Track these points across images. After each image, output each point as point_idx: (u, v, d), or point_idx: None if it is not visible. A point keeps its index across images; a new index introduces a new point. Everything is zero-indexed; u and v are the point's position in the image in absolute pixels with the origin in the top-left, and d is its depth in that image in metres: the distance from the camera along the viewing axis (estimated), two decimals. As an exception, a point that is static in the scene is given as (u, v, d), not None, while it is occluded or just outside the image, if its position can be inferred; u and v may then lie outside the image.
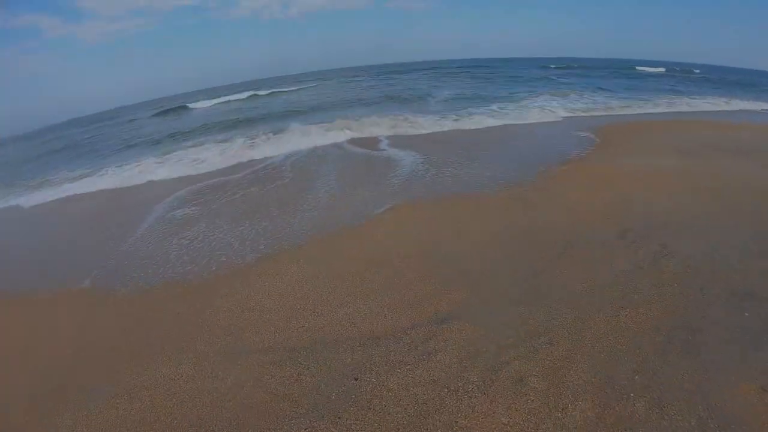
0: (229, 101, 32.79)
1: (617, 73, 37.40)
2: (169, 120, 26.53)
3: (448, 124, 13.60)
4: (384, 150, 10.96)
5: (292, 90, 35.82)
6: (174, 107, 32.93)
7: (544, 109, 16.09)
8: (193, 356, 3.67)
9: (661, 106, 17.47)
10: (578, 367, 3.17)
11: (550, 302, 3.86)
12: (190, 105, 32.69)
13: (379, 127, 13.70)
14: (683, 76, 38.24)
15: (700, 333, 3.47)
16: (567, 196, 6.54)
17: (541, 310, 3.76)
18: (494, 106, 17.32)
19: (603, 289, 4.03)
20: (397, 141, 11.70)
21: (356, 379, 3.16)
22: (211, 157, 12.12)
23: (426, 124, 13.69)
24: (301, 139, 12.93)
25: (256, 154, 11.71)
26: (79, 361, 3.89)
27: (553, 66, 47.62)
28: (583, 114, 15.36)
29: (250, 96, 33.42)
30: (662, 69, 44.79)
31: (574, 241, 5.00)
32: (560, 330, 3.50)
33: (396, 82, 34.08)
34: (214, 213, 7.40)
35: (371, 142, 11.81)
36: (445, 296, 4.06)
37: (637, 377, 3.10)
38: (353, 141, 12.20)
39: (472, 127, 13.18)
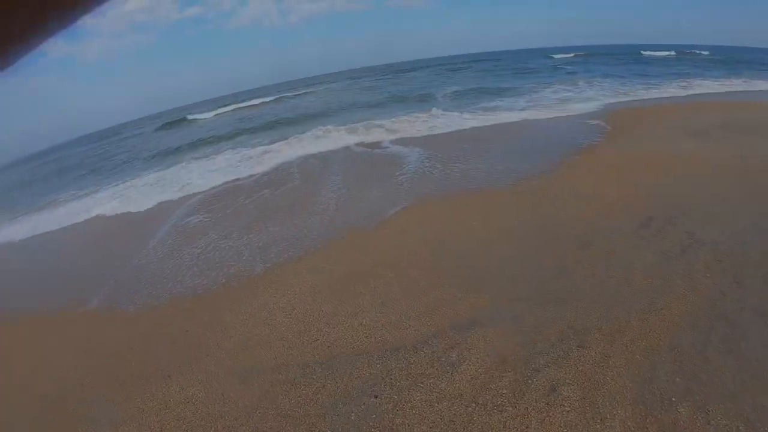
0: (237, 109, 32.08)
1: (625, 59, 36.68)
2: (178, 132, 26.03)
3: (457, 122, 13.14)
4: (390, 148, 10.80)
5: (299, 95, 35.19)
6: (183, 119, 32.08)
7: (553, 100, 15.70)
8: (202, 377, 3.48)
9: (674, 89, 17.02)
10: (614, 372, 2.95)
11: (577, 301, 3.63)
12: (199, 116, 31.90)
13: (388, 128, 13.34)
14: (692, 59, 37.23)
15: (740, 326, 3.24)
16: (583, 186, 6.29)
17: (569, 310, 3.52)
18: (504, 101, 16.89)
19: (632, 284, 3.79)
20: (407, 141, 11.33)
21: (376, 397, 2.95)
22: (218, 166, 11.89)
23: (435, 123, 13.26)
24: (313, 143, 12.62)
25: (268, 161, 11.36)
26: (84, 387, 3.72)
27: (558, 55, 46.78)
28: (594, 102, 14.82)
29: (260, 103, 32.65)
30: (672, 52, 43.82)
31: (595, 233, 4.75)
32: (591, 332, 3.27)
33: (402, 81, 33.51)
34: (223, 220, 7.26)
35: (381, 144, 11.48)
36: (465, 300, 3.83)
37: (677, 379, 2.88)
38: (364, 144, 11.83)
39: (484, 124, 12.67)
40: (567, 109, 13.80)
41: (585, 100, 15.38)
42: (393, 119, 14.81)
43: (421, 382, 3.00)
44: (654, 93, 16.25)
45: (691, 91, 16.29)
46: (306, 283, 4.62)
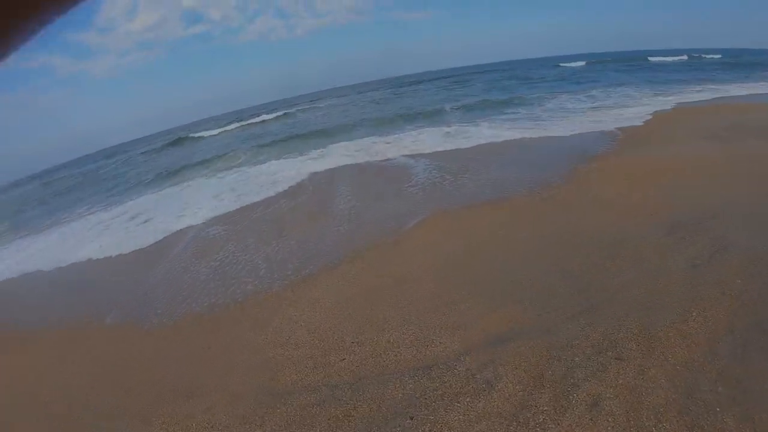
0: (246, 125, 31.57)
1: (634, 66, 36.12)
2: (182, 151, 25.65)
3: (474, 136, 12.75)
4: (405, 163, 10.77)
5: (305, 109, 34.88)
6: (187, 136, 31.44)
7: (567, 110, 15.57)
8: (226, 399, 3.35)
9: (693, 94, 16.85)
10: (655, 384, 2.85)
11: (609, 311, 3.53)
12: (204, 133, 31.36)
13: (401, 144, 13.19)
14: (705, 63, 36.43)
15: (777, 332, 3.16)
16: (604, 194, 6.24)
17: (602, 321, 3.42)
18: (516, 113, 16.67)
19: (664, 292, 3.69)
20: (423, 156, 11.05)
21: (411, 418, 2.84)
22: (221, 190, 11.47)
23: (449, 138, 13.00)
24: (325, 160, 12.45)
25: (279, 181, 10.88)
26: (100, 412, 3.58)
27: (567, 64, 45.85)
28: (609, 110, 14.51)
29: (273, 118, 32.10)
30: (684, 57, 42.76)
31: (621, 241, 4.67)
32: (627, 342, 3.17)
33: (410, 94, 33.05)
34: (241, 235, 7.18)
35: (395, 159, 11.27)
36: (495, 314, 3.73)
37: (720, 389, 2.78)
38: (377, 160, 11.61)
39: (499, 140, 11.99)
40: (581, 118, 13.51)
41: (600, 108, 15.08)
42: (405, 134, 14.66)
43: (458, 402, 2.89)
44: (676, 98, 15.87)
45: (712, 95, 16.02)
46: (328, 299, 4.52)
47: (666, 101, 15.53)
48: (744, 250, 4.14)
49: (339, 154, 13.02)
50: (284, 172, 11.89)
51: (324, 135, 17.95)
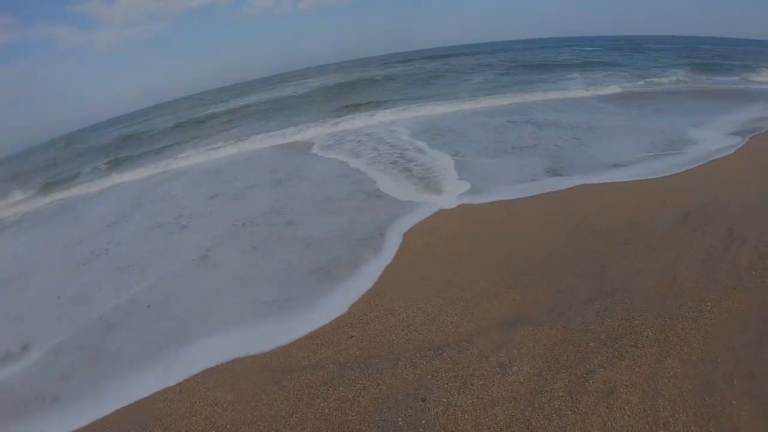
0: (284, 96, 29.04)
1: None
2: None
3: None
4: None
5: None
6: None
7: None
8: (230, 377, 3.26)
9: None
10: (671, 373, 2.79)
11: (625, 298, 3.46)
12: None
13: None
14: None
15: (791, 326, 3.12)
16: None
17: (618, 307, 3.36)
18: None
19: (678, 281, 3.62)
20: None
21: (423, 400, 2.76)
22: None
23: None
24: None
25: None
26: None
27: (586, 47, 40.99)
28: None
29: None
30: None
31: (635, 228, 4.59)
32: (643, 330, 3.11)
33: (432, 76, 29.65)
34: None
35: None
36: (508, 296, 3.65)
37: (735, 381, 2.74)
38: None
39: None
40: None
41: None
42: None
43: (471, 384, 2.82)
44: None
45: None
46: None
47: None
48: (756, 243, 4.07)
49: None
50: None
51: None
